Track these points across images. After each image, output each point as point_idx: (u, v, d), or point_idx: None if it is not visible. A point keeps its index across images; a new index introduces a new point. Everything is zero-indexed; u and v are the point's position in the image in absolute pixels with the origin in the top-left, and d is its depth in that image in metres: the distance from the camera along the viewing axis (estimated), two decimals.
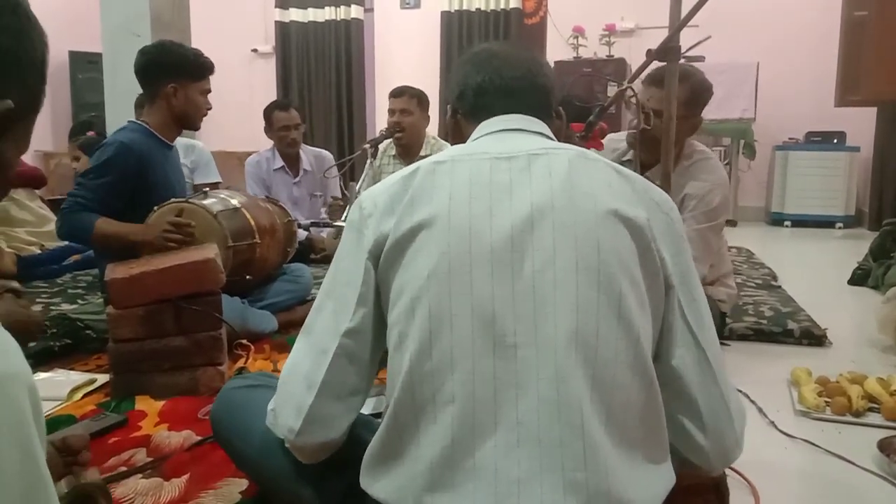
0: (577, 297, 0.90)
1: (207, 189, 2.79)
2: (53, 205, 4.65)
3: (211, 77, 2.68)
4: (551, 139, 1.10)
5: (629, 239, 0.94)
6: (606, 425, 0.89)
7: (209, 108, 2.69)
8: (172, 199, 2.50)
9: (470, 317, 0.91)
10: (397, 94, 3.85)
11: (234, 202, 2.70)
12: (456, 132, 1.20)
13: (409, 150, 3.86)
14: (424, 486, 0.90)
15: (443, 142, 3.93)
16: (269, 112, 4.06)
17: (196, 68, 2.61)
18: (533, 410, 0.88)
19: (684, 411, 1.01)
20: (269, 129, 4.07)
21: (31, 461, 0.59)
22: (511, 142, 1.05)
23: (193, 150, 3.77)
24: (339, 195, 4.22)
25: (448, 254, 0.93)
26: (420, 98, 3.86)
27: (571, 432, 0.87)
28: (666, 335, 1.00)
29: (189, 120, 2.65)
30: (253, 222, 2.67)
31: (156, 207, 2.48)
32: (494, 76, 1.12)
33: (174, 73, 2.57)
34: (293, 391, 1.04)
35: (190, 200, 2.53)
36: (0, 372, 0.58)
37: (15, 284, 2.27)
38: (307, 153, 4.22)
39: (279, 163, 4.12)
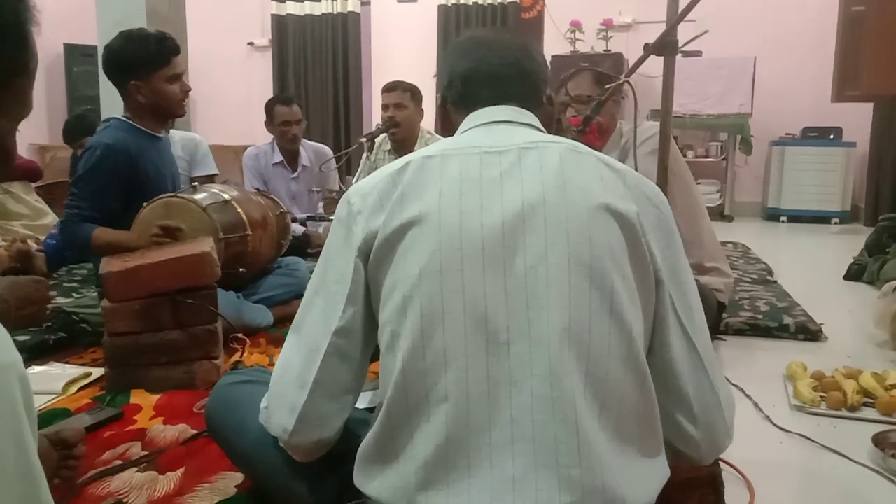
0: (570, 292, 0.90)
1: (196, 183, 2.77)
2: (49, 196, 4.64)
3: (177, 57, 2.55)
4: (541, 130, 1.09)
5: (620, 234, 0.94)
6: (600, 420, 0.89)
7: (187, 90, 2.58)
8: (161, 195, 2.48)
9: (462, 314, 0.90)
10: (390, 88, 3.82)
11: (225, 196, 2.69)
12: (445, 121, 1.19)
13: (403, 145, 3.84)
14: (419, 484, 0.90)
15: (437, 136, 3.92)
16: (270, 106, 4.03)
17: (151, 59, 2.49)
18: (527, 407, 0.87)
19: (675, 403, 1.01)
20: (270, 123, 4.04)
21: (23, 452, 0.60)
22: (501, 135, 1.04)
23: (191, 143, 3.75)
24: (338, 188, 4.20)
25: (439, 251, 0.92)
26: (413, 92, 3.83)
27: (566, 428, 0.87)
28: (658, 329, 1.00)
29: (163, 110, 2.57)
30: (244, 215, 2.66)
31: (145, 204, 2.46)
32: (481, 64, 1.12)
33: (130, 71, 2.49)
34: (285, 390, 1.03)
35: (179, 195, 2.51)
36: None
37: None
38: (307, 148, 4.20)
39: (278, 157, 4.10)
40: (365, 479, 0.97)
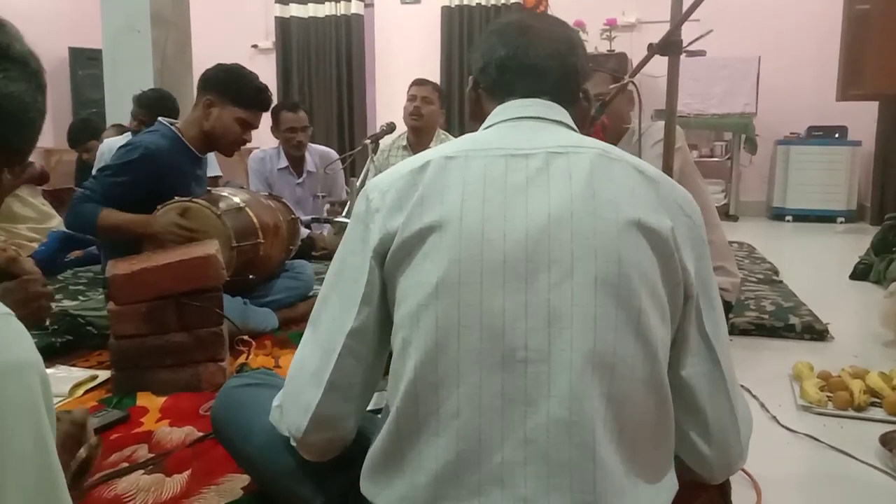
0: (595, 313, 0.86)
1: (210, 188, 2.77)
2: (55, 200, 4.65)
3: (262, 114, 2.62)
4: (571, 128, 1.04)
5: (651, 252, 0.90)
6: (617, 444, 0.87)
7: (245, 140, 2.61)
8: (177, 198, 2.49)
9: (479, 329, 0.87)
10: (421, 82, 3.91)
11: (237, 200, 2.68)
12: (476, 107, 1.12)
13: (420, 140, 3.88)
14: (428, 499, 0.88)
15: (451, 136, 3.95)
16: (276, 112, 4.01)
17: (238, 92, 2.54)
18: (542, 428, 0.85)
19: (691, 423, 0.98)
20: (276, 129, 4.03)
21: (43, 446, 0.62)
22: (528, 134, 0.98)
23: None
24: (345, 197, 4.19)
25: (458, 261, 0.88)
26: (441, 93, 3.96)
27: (582, 453, 0.84)
28: (680, 344, 0.96)
29: (216, 141, 2.59)
30: (257, 221, 2.65)
31: (159, 207, 2.46)
32: (520, 53, 1.04)
33: (215, 88, 2.54)
34: (301, 389, 1.02)
35: (195, 200, 2.51)
36: (16, 360, 0.60)
37: None
38: (312, 153, 4.19)
39: (283, 163, 4.10)
40: (372, 488, 0.95)
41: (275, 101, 4.22)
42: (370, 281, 0.96)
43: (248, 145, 4.50)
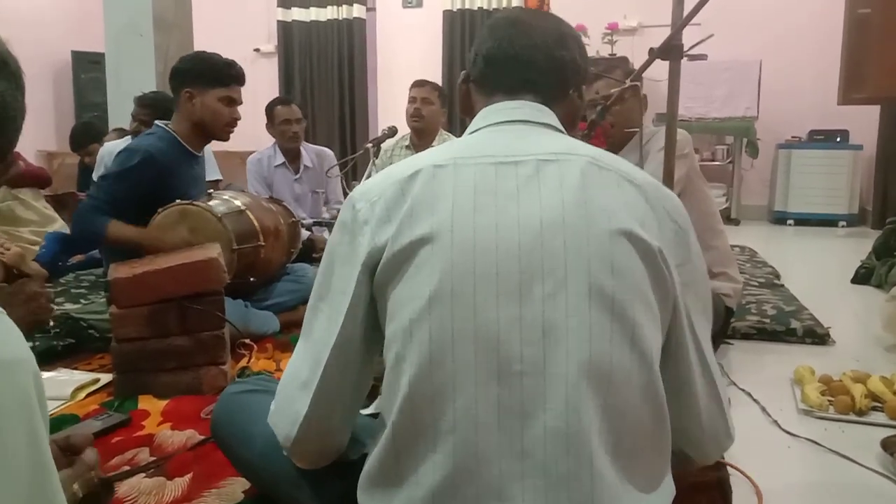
0: (591, 324, 0.85)
1: (211, 190, 2.78)
2: (57, 202, 4.66)
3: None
4: (560, 130, 1.03)
5: (641, 262, 0.89)
6: (614, 455, 0.86)
7: (236, 118, 2.63)
8: (177, 201, 2.50)
9: (473, 341, 0.86)
10: (420, 84, 3.94)
11: (238, 203, 2.69)
12: (465, 100, 1.12)
13: (423, 141, 3.90)
14: None
15: (453, 137, 3.96)
16: (270, 108, 4.08)
17: (210, 73, 2.56)
18: (539, 441, 0.84)
19: (686, 414, 1.00)
20: (271, 124, 4.08)
21: (36, 444, 0.62)
22: (517, 140, 0.97)
23: None
24: (343, 198, 4.22)
25: (451, 273, 0.87)
26: (441, 92, 3.97)
27: (579, 465, 0.84)
28: (674, 348, 0.96)
29: (208, 128, 2.60)
30: (257, 224, 2.66)
31: (160, 209, 2.47)
32: (506, 44, 1.04)
33: (189, 80, 2.56)
34: (291, 398, 1.02)
35: (194, 203, 2.51)
36: (8, 358, 0.60)
37: None
38: (308, 151, 4.23)
39: (280, 159, 4.12)
40: (370, 502, 0.95)
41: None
42: (357, 293, 0.95)
43: (247, 148, 4.49)
